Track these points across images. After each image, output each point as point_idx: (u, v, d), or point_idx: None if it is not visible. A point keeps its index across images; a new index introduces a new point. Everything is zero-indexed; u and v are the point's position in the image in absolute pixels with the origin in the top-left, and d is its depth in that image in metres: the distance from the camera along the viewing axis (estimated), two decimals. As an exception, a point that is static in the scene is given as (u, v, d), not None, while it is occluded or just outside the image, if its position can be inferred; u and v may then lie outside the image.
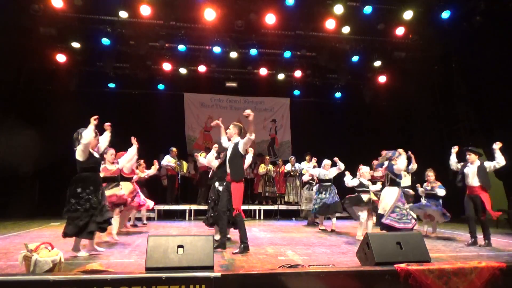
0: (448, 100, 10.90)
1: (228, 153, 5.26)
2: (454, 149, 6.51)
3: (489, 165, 5.97)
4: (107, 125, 5.32)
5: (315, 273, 3.12)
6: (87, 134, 4.48)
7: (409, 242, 3.58)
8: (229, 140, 5.38)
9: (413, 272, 3.15)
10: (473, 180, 5.95)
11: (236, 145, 5.17)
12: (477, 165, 5.99)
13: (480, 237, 5.87)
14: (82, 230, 4.45)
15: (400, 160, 6.01)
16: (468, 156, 6.09)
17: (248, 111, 4.93)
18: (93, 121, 4.59)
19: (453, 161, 6.42)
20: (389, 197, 5.94)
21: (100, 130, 5.14)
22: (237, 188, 5.06)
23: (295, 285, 3.01)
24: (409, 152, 6.99)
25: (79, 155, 4.54)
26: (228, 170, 5.18)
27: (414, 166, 7.25)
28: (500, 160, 5.85)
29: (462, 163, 6.24)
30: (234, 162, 5.14)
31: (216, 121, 5.83)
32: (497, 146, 5.89)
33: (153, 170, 7.75)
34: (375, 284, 3.18)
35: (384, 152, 6.58)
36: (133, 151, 6.35)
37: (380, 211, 6.00)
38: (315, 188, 8.15)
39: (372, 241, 3.51)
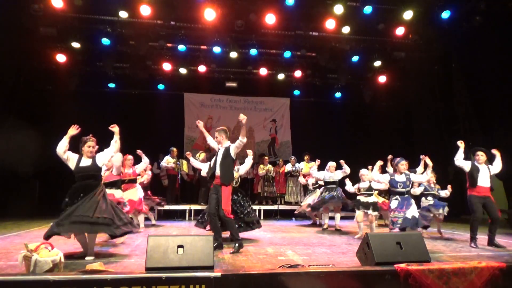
0: (448, 100, 10.91)
1: (219, 157, 5.23)
2: (462, 144, 6.02)
3: (492, 169, 5.86)
4: (112, 126, 4.92)
5: (315, 273, 3.12)
6: (58, 145, 4.45)
7: (409, 242, 3.58)
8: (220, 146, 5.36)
9: (413, 272, 3.15)
10: (486, 181, 5.77)
11: (227, 149, 5.18)
12: (486, 166, 5.85)
13: (481, 237, 5.86)
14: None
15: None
16: (478, 156, 5.88)
17: (242, 116, 4.94)
18: (70, 132, 4.49)
19: (460, 157, 6.00)
20: None
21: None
22: (226, 191, 5.10)
23: (295, 285, 3.01)
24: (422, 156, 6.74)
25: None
26: (218, 173, 5.16)
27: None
28: (498, 167, 5.86)
29: (469, 162, 5.98)
30: (225, 165, 5.14)
31: (198, 123, 5.75)
32: (497, 153, 5.88)
33: (146, 176, 7.85)
34: (375, 284, 3.18)
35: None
36: (146, 161, 6.76)
37: None
38: (320, 190, 8.08)
39: (372, 241, 3.51)
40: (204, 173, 6.90)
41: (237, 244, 5.01)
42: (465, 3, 9.05)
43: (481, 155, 5.89)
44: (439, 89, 11.19)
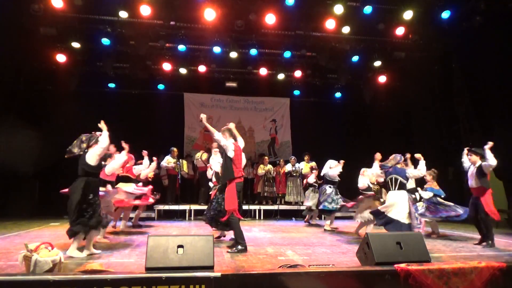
0: (448, 100, 10.90)
1: (223, 156, 5.43)
2: (465, 151, 6.28)
3: (484, 165, 5.82)
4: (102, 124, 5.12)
5: (315, 273, 3.11)
6: (105, 139, 4.58)
7: (409, 242, 3.58)
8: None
9: (413, 272, 3.15)
10: (472, 182, 5.85)
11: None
12: (477, 166, 5.86)
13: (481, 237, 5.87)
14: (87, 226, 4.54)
15: (420, 165, 5.73)
16: (469, 157, 5.97)
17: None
18: (104, 126, 4.68)
19: (465, 163, 6.19)
20: (403, 201, 5.51)
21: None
22: (228, 189, 5.14)
23: (295, 285, 3.01)
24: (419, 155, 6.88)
25: (93, 159, 4.60)
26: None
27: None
28: (491, 162, 5.67)
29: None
30: (224, 164, 5.33)
31: (201, 117, 5.41)
32: (487, 146, 5.73)
33: (151, 168, 7.77)
34: (375, 284, 3.18)
35: (393, 156, 6.43)
36: (122, 158, 6.11)
37: (396, 217, 5.46)
38: (330, 188, 8.02)
39: (372, 241, 3.51)
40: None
41: (239, 246, 4.97)
42: (465, 3, 9.04)
43: (469, 156, 6.02)
44: (439, 89, 11.18)
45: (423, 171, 5.65)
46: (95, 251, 4.79)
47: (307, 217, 8.93)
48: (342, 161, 7.80)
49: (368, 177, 6.93)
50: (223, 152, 5.33)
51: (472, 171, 5.92)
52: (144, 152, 7.35)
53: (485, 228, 5.79)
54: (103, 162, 4.80)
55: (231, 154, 5.19)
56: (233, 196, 5.12)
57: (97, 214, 4.60)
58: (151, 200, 7.37)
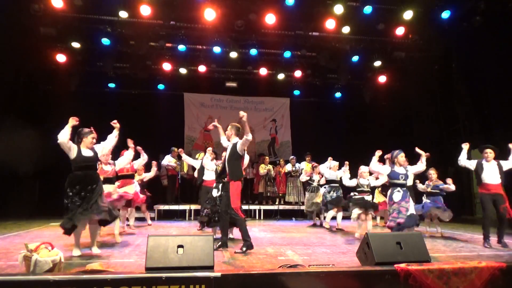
0: (448, 100, 10.91)
1: (227, 153, 5.28)
2: (466, 146, 6.16)
3: (505, 164, 5.78)
4: (114, 122, 5.18)
5: (315, 273, 3.11)
6: (61, 133, 4.47)
7: (409, 242, 3.58)
8: (228, 140, 5.39)
9: (413, 272, 3.15)
10: (495, 178, 5.72)
11: (234, 145, 5.18)
12: (495, 162, 5.78)
13: (493, 238, 5.83)
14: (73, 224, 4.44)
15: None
16: (487, 154, 5.85)
17: (241, 113, 4.93)
18: (71, 122, 4.56)
19: (463, 158, 6.12)
20: None
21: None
22: (235, 187, 5.06)
23: (295, 285, 3.01)
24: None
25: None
26: (226, 170, 5.22)
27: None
28: None
29: (475, 161, 6.00)
30: (232, 162, 5.16)
31: (213, 124, 5.86)
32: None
33: (152, 173, 7.73)
34: (375, 284, 3.17)
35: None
36: (130, 155, 6.12)
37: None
38: (324, 188, 8.05)
39: (372, 241, 3.51)
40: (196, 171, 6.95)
41: (245, 244, 4.94)
42: (465, 3, 9.05)
43: (489, 153, 5.86)
44: (439, 89, 11.19)
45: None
46: (96, 251, 4.72)
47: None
48: (346, 163, 7.46)
49: (362, 175, 6.92)
50: (234, 150, 5.15)
51: (493, 167, 5.78)
52: (139, 148, 6.60)
53: (501, 227, 5.66)
54: (86, 153, 4.74)
55: (243, 152, 5.18)
56: (239, 194, 5.09)
57: (89, 205, 4.48)
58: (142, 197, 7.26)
